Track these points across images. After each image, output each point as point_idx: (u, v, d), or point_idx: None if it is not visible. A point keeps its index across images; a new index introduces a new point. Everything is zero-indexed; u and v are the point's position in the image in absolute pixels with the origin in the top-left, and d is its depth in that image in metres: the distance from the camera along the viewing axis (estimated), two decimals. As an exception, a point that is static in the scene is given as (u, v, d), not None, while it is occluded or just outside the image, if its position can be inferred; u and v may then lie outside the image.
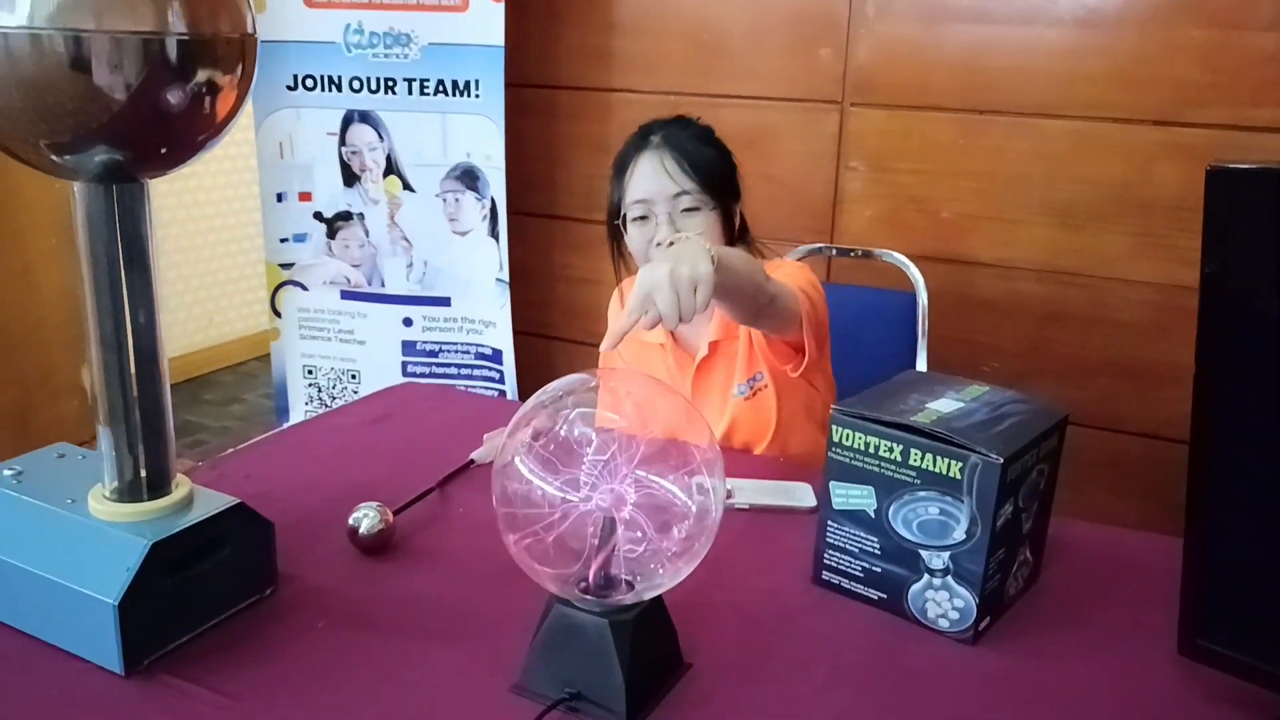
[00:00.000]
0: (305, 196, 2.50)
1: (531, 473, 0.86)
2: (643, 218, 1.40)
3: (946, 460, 0.97)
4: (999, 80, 1.99)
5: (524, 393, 2.51)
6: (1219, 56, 1.84)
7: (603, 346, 0.91)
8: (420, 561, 1.11)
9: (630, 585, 0.88)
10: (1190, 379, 1.91)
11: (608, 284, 1.59)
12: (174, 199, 4.02)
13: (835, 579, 1.08)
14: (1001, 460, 0.94)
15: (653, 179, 1.39)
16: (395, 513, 1.16)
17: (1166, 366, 1.94)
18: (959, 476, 0.96)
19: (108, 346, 0.90)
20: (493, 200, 2.43)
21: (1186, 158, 1.87)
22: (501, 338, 2.50)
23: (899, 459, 1.00)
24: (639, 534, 0.87)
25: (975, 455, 0.95)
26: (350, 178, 2.48)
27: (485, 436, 1.37)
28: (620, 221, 1.43)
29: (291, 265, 2.55)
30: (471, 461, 1.35)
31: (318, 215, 2.51)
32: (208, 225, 4.18)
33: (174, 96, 0.83)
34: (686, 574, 0.87)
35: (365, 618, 1.00)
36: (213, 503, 0.98)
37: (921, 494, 0.99)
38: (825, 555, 1.08)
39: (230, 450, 1.41)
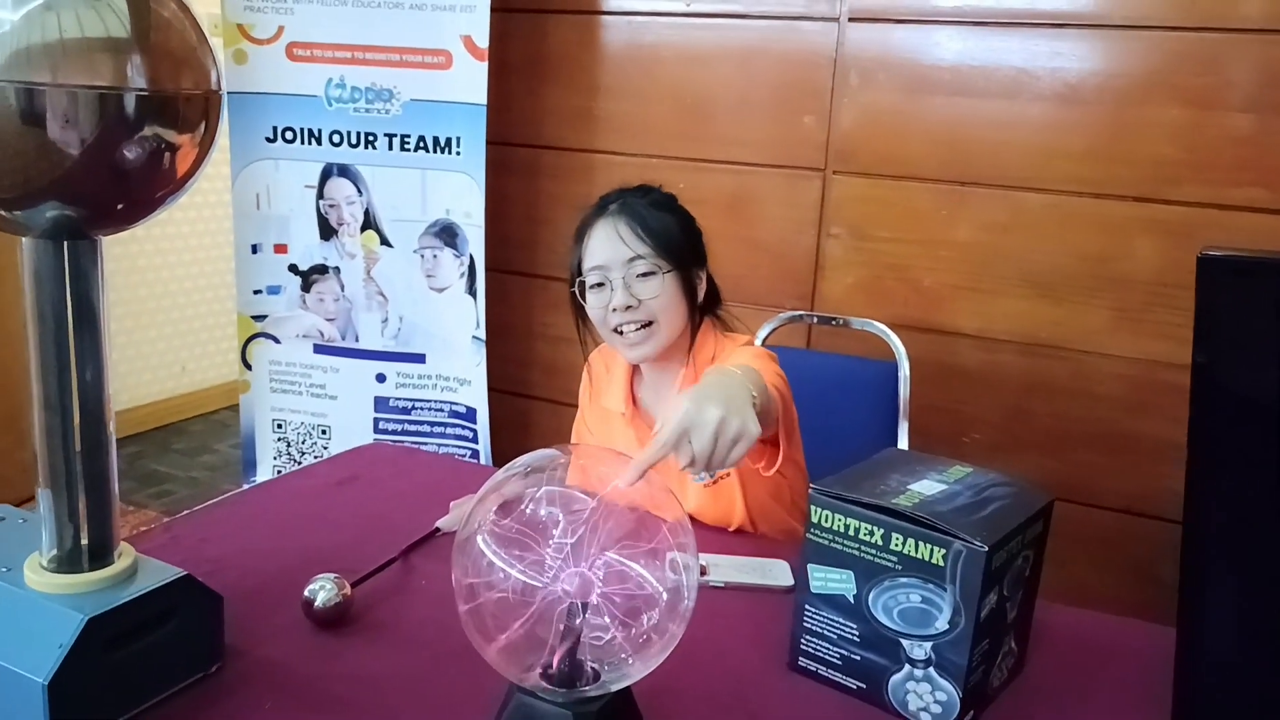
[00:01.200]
0: (281, 249, 2.47)
1: (495, 554, 0.82)
2: (599, 285, 1.38)
3: (929, 546, 0.93)
4: (980, 152, 2.00)
5: (498, 453, 2.46)
6: (1197, 135, 1.86)
7: (623, 482, 0.87)
8: (378, 636, 1.06)
9: (597, 674, 0.83)
10: (1170, 455, 1.89)
11: (588, 343, 1.56)
12: (150, 244, 3.97)
13: (813, 666, 1.04)
14: (986, 548, 0.90)
15: (607, 245, 1.37)
16: (354, 584, 1.10)
17: (1146, 441, 1.92)
18: (941, 564, 0.93)
19: (51, 408, 0.86)
20: (471, 258, 2.40)
21: (1164, 234, 1.88)
22: (476, 396, 2.46)
23: (879, 543, 0.97)
24: (607, 620, 0.83)
25: (959, 542, 0.91)
26: (327, 231, 2.45)
27: (452, 504, 1.33)
28: (579, 288, 1.41)
29: (264, 317, 2.50)
30: (437, 530, 1.30)
31: (293, 268, 2.48)
32: (184, 273, 4.13)
33: (131, 153, 0.80)
34: (657, 663, 0.83)
35: (316, 697, 0.95)
36: (157, 574, 0.93)
37: (903, 580, 0.95)
38: (802, 640, 1.04)
39: (186, 512, 1.36)
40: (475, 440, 2.49)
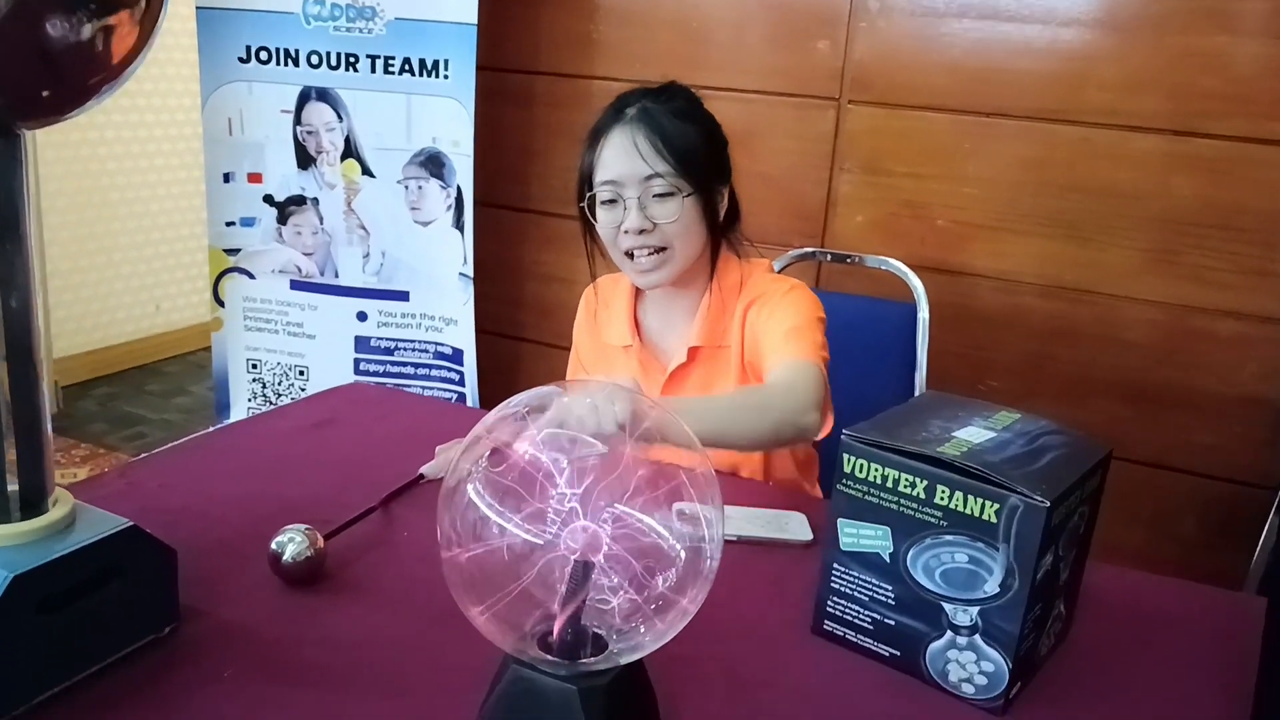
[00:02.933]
0: (255, 178, 2.31)
1: (488, 506, 0.70)
2: (611, 201, 1.25)
3: (980, 500, 0.82)
4: (1006, 81, 1.86)
5: (485, 397, 2.34)
6: (1239, 66, 1.73)
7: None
8: (354, 596, 0.95)
9: (602, 643, 0.72)
10: (1198, 405, 1.78)
11: (581, 282, 1.43)
12: (122, 177, 3.80)
13: (839, 630, 0.93)
14: (1047, 503, 0.79)
15: (623, 158, 1.23)
16: (328, 536, 0.99)
17: (1173, 391, 1.82)
18: (994, 520, 0.82)
19: (-33, 334, 0.73)
20: (459, 189, 2.26)
21: (1201, 170, 1.76)
22: (463, 336, 2.33)
23: (922, 496, 0.86)
24: (617, 581, 0.71)
25: (1015, 496, 0.81)
26: (305, 159, 2.30)
27: (438, 449, 1.21)
28: (588, 203, 1.28)
29: (238, 251, 2.36)
30: (421, 477, 1.18)
31: (268, 199, 2.33)
32: (157, 207, 3.96)
33: (56, 30, 0.68)
34: (674, 633, 0.72)
35: (282, 664, 0.84)
36: (100, 525, 0.81)
37: (948, 538, 0.85)
38: (828, 602, 0.93)
39: (144, 455, 1.24)
40: (462, 384, 2.37)
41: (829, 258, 1.81)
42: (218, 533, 1.02)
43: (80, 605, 0.78)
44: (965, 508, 0.83)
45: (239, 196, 2.33)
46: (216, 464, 1.21)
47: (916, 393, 1.67)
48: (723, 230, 1.32)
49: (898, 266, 1.71)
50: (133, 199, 3.86)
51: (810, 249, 1.84)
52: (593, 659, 0.71)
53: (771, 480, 1.33)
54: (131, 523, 0.82)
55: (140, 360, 3.97)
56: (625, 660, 0.71)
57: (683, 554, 0.72)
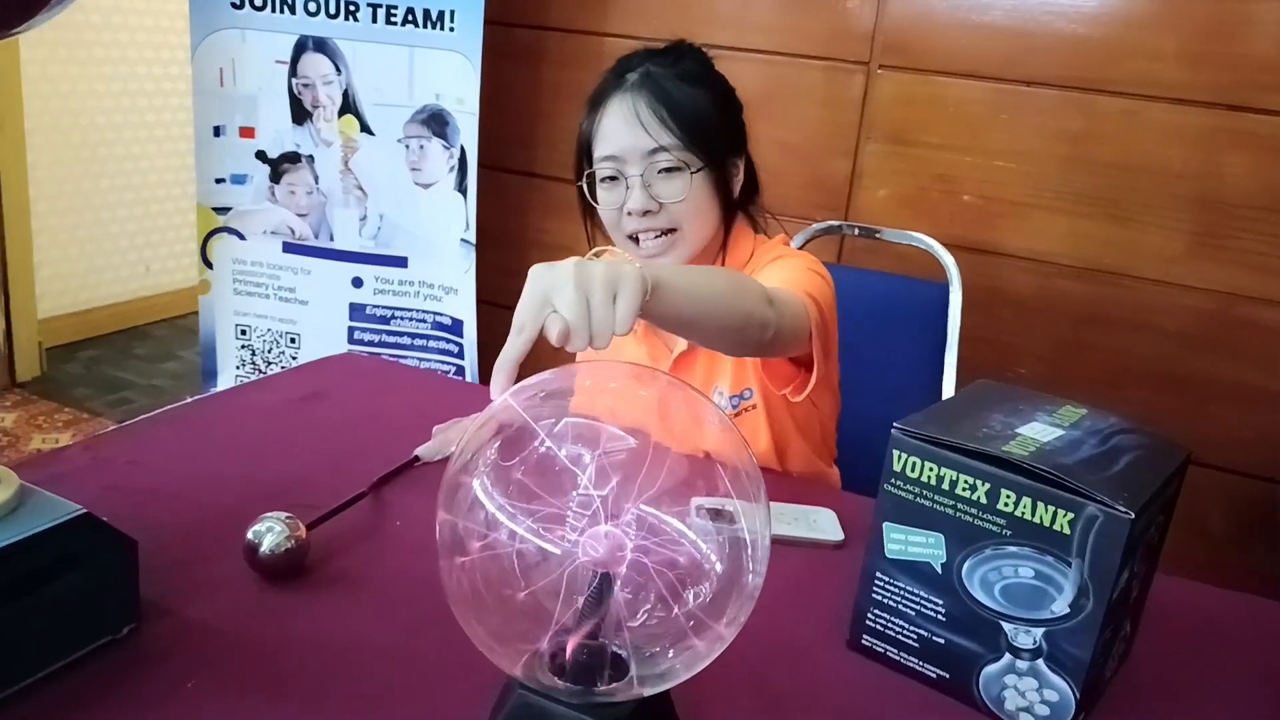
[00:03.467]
0: (247, 132, 2.19)
1: (498, 506, 0.60)
2: (611, 179, 1.13)
3: (1052, 509, 0.72)
4: (1048, 48, 1.75)
5: (486, 372, 2.24)
6: (1300, 36, 1.61)
7: (493, 392, 0.64)
8: (340, 593, 0.85)
9: (624, 667, 0.63)
10: (1237, 398, 1.68)
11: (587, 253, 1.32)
12: (112, 133, 3.67)
13: (879, 646, 0.84)
14: (1132, 515, 0.70)
15: (624, 130, 1.11)
16: (311, 525, 0.89)
17: (1216, 384, 1.72)
18: (1067, 531, 0.72)
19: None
20: (462, 150, 2.14)
21: (1256, 148, 1.65)
22: (463, 306, 2.22)
23: (983, 501, 0.75)
24: (642, 596, 0.62)
25: (1094, 505, 0.71)
26: (300, 114, 2.18)
27: (435, 429, 1.11)
28: (586, 181, 1.16)
29: (228, 210, 2.24)
30: (416, 459, 1.08)
31: (260, 155, 2.21)
32: (147, 164, 3.83)
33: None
34: (710, 660, 0.62)
35: (256, 673, 0.74)
36: (48, 511, 0.71)
37: (1011, 549, 0.75)
38: (869, 615, 0.84)
39: (113, 427, 1.13)
40: (461, 356, 2.26)
41: (856, 231, 1.70)
42: (189, 518, 0.92)
43: (23, 603, 0.68)
44: (1034, 516, 0.73)
45: (230, 152, 2.21)
46: (192, 439, 1.11)
47: (946, 380, 1.57)
48: (739, 204, 1.21)
49: (929, 243, 1.60)
50: (122, 155, 3.73)
51: (836, 221, 1.73)
52: (612, 686, 0.61)
53: (787, 465, 1.23)
54: (84, 509, 0.71)
55: (128, 323, 3.86)
56: (650, 691, 0.61)
57: (719, 566, 0.62)
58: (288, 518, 0.86)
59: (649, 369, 0.70)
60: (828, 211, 1.89)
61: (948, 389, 1.57)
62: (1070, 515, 0.72)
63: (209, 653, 0.75)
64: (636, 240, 1.14)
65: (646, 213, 1.11)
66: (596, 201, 1.16)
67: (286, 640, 0.78)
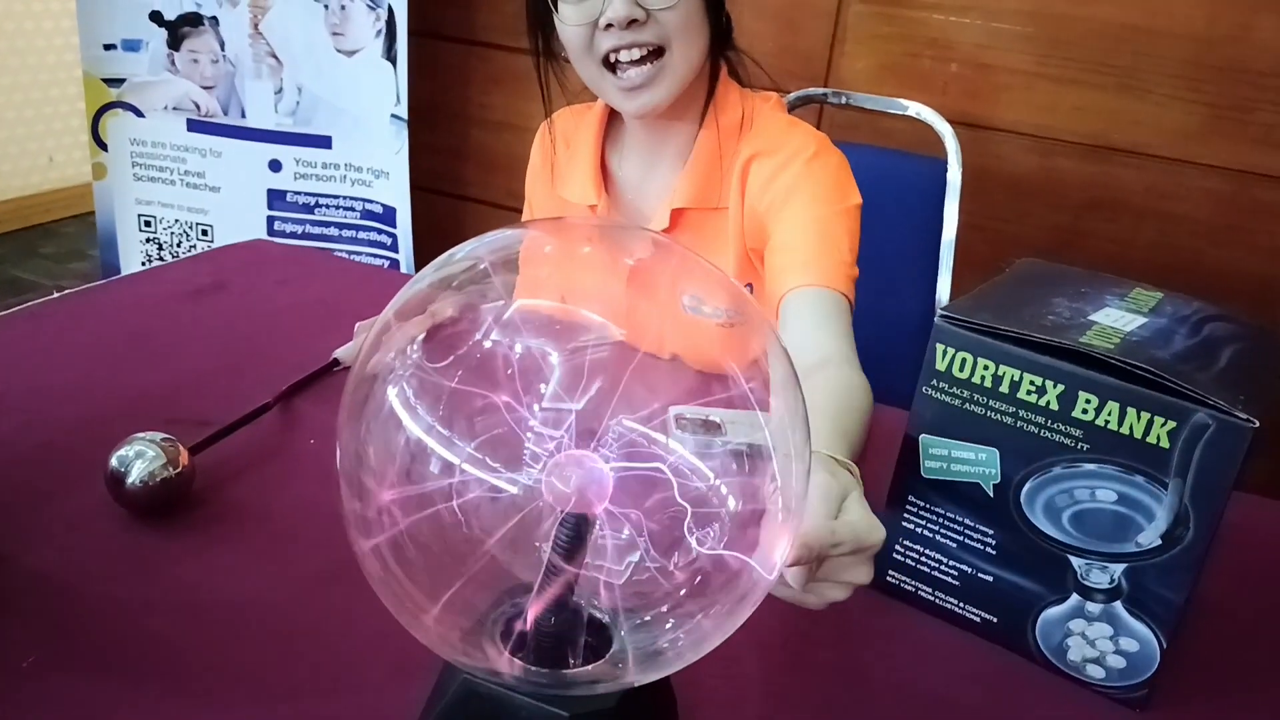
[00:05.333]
0: (138, -11, 1.90)
1: (426, 427, 0.42)
2: None
3: (1147, 417, 0.57)
4: (1057, -108, 1.54)
5: (422, 264, 2.03)
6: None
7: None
8: (231, 535, 0.67)
9: (606, 638, 0.46)
10: (1256, 293, 1.54)
11: (536, 131, 1.12)
12: (-4, 5, 3.27)
13: (910, 584, 0.69)
14: (1256, 424, 0.54)
15: None
16: (195, 448, 0.71)
17: (1228, 275, 1.57)
18: (1166, 444, 0.56)
19: None
20: (390, 11, 1.88)
21: (1290, 9, 1.47)
22: (396, 193, 1.99)
23: (1054, 408, 0.59)
24: (626, 540, 0.45)
25: (1205, 411, 0.55)
26: (200, -32, 1.89)
27: (358, 326, 0.92)
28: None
29: (121, 82, 1.96)
30: (335, 363, 0.89)
31: (155, 16, 1.91)
32: (43, 42, 3.45)
33: None
34: (723, 637, 0.45)
35: (121, 641, 0.57)
36: None
37: (1088, 467, 0.59)
38: (897, 547, 0.68)
39: (-48, 328, 0.92)
40: (395, 248, 2.04)
41: (845, 100, 1.50)
42: (38, 440, 0.73)
43: None
44: (1122, 426, 0.57)
45: (119, 12, 1.91)
46: (52, 343, 0.90)
47: (941, 271, 1.40)
48: (721, 48, 1.00)
49: (926, 113, 1.41)
50: (12, 31, 3.34)
51: (820, 89, 1.53)
52: (589, 668, 0.45)
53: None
54: None
55: (32, 220, 3.55)
56: (645, 679, 0.44)
57: (733, 502, 0.46)
58: (164, 439, 0.67)
59: (629, 227, 0.51)
60: (804, 81, 1.67)
61: (943, 283, 1.40)
62: (1172, 424, 0.56)
63: (57, 616, 0.57)
64: (614, 68, 0.91)
65: (632, 23, 0.88)
66: (559, 17, 0.92)
67: (161, 598, 0.60)
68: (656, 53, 0.90)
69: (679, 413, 0.48)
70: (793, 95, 1.54)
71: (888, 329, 1.32)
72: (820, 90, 1.53)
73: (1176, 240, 1.59)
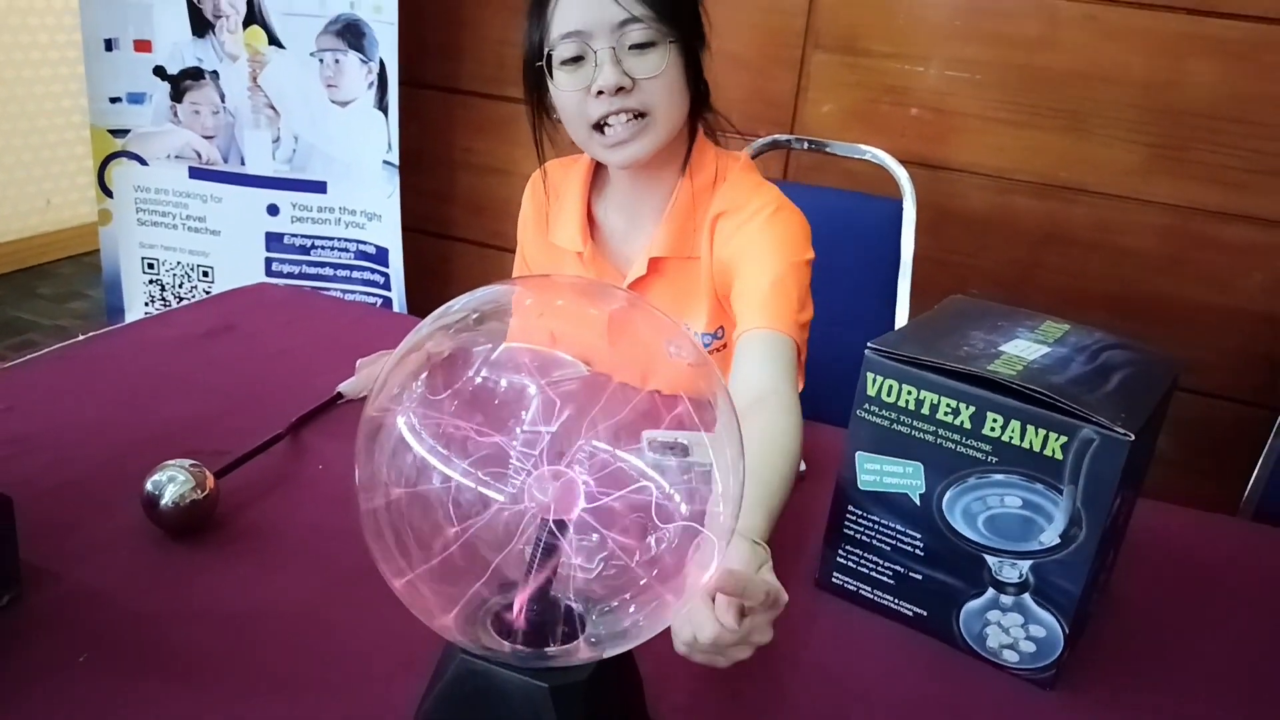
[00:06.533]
0: (143, 46, 2.00)
1: (429, 448, 0.51)
2: (576, 59, 1.00)
3: (1043, 432, 0.66)
4: (1003, -50, 1.66)
5: (414, 305, 2.12)
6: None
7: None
8: (253, 551, 0.76)
9: (575, 626, 0.55)
10: (1200, 320, 1.64)
11: (520, 174, 1.21)
12: (1, 55, 3.37)
13: (852, 585, 0.78)
14: (1132, 436, 0.64)
15: (589, 3, 0.99)
16: (220, 473, 0.79)
17: (1175, 303, 1.68)
18: (1059, 456, 0.66)
19: None
20: (381, 64, 1.99)
21: (1222, 55, 1.59)
22: (388, 234, 2.09)
23: (966, 426, 0.69)
24: (596, 542, 0.54)
25: (1090, 427, 0.65)
26: (201, 25, 2.00)
27: (359, 363, 1.01)
28: (544, 64, 1.03)
29: (126, 133, 2.06)
30: (339, 396, 0.98)
31: (159, 71, 2.02)
32: (42, 90, 3.55)
33: None
34: (675, 616, 0.54)
35: (157, 645, 0.65)
36: (-108, 469, 0.60)
37: (997, 477, 0.69)
38: (840, 551, 0.78)
39: (-10, 370, 1.01)
40: (387, 287, 2.14)
41: (806, 145, 1.61)
42: (76, 470, 0.81)
43: None
44: (1023, 441, 0.67)
45: (124, 68, 2.02)
46: (81, 381, 0.99)
47: (899, 303, 1.51)
48: (700, 104, 1.10)
49: (881, 157, 1.52)
50: (13, 79, 3.44)
51: (785, 135, 1.64)
52: (567, 647, 0.54)
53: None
54: (-64, 466, 0.61)
55: (30, 261, 3.62)
56: (611, 652, 0.53)
57: (684, 508, 0.55)
58: (192, 465, 0.76)
59: (601, 284, 0.61)
60: (772, 126, 1.79)
61: (901, 313, 1.50)
62: (1063, 439, 0.66)
63: (102, 622, 0.66)
64: (602, 129, 1.02)
65: (620, 90, 0.99)
66: (555, 84, 1.02)
67: (191, 606, 0.69)
68: (640, 115, 1.00)
69: (651, 436, 0.57)
70: (760, 141, 1.64)
71: (850, 357, 1.42)
72: (786, 136, 1.64)
73: (1124, 271, 1.70)
